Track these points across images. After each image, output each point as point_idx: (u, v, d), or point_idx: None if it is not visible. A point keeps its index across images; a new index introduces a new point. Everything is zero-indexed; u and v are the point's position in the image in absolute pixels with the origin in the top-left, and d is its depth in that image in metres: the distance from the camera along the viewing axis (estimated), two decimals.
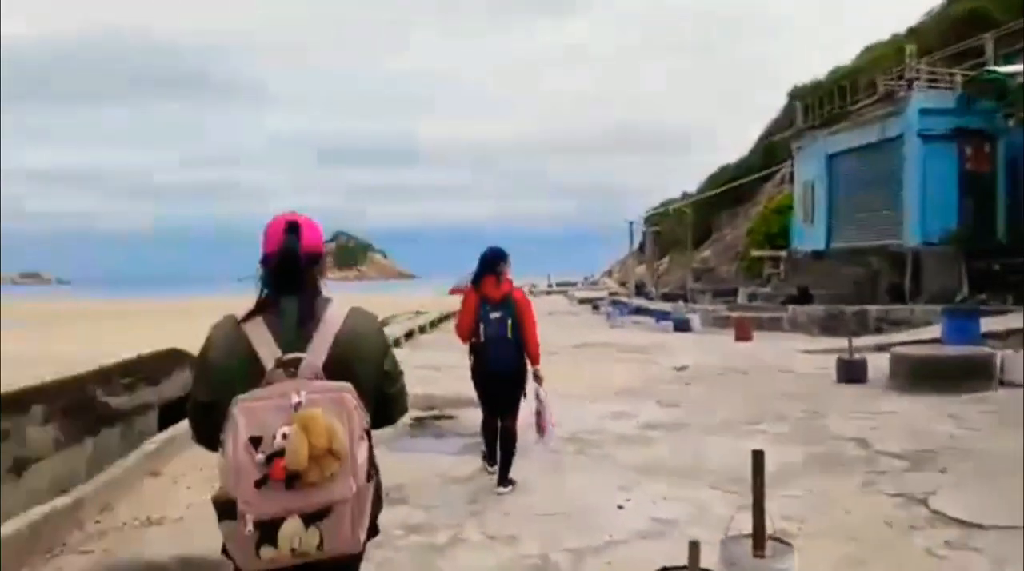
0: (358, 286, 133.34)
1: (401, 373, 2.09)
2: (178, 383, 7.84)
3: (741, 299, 26.58)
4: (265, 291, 1.92)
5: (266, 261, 1.93)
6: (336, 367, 1.81)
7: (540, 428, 5.67)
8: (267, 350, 1.81)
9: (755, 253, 31.34)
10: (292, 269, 1.89)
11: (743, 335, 17.50)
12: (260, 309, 1.89)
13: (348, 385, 1.77)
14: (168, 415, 7.43)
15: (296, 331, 1.84)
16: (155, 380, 7.38)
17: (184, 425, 7.06)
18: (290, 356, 1.80)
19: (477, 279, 5.42)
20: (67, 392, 5.64)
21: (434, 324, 23.01)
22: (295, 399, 1.71)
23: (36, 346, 18.74)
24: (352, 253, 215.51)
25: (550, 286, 55.53)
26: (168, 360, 7.81)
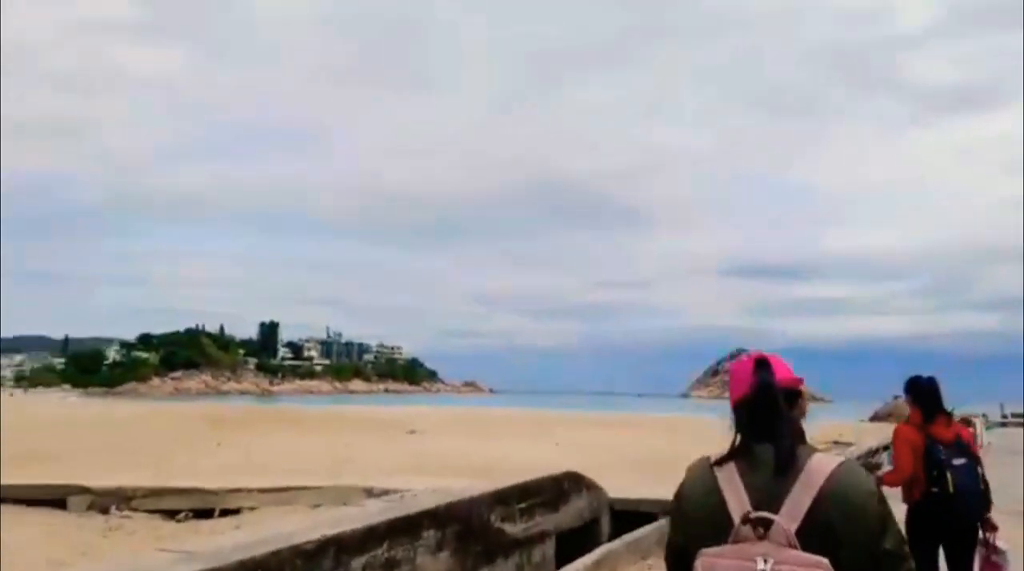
0: None
1: (909, 555, 1.71)
2: (576, 511, 7.20)
3: None
4: (738, 436, 1.74)
5: (737, 406, 1.77)
6: (815, 535, 1.56)
7: None
8: (736, 502, 1.63)
9: None
10: (767, 409, 1.70)
11: None
12: (733, 455, 1.72)
13: (824, 562, 1.51)
14: (566, 546, 6.79)
15: (771, 484, 1.63)
16: (554, 506, 6.80)
17: (580, 563, 6.44)
18: (760, 514, 1.58)
19: (929, 416, 4.54)
20: (461, 516, 5.23)
21: (860, 459, 19.85)
22: (760, 566, 1.51)
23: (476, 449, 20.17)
24: None
25: (1004, 417, 46.01)
26: (567, 484, 7.21)
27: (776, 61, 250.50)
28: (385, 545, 4.26)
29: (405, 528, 4.50)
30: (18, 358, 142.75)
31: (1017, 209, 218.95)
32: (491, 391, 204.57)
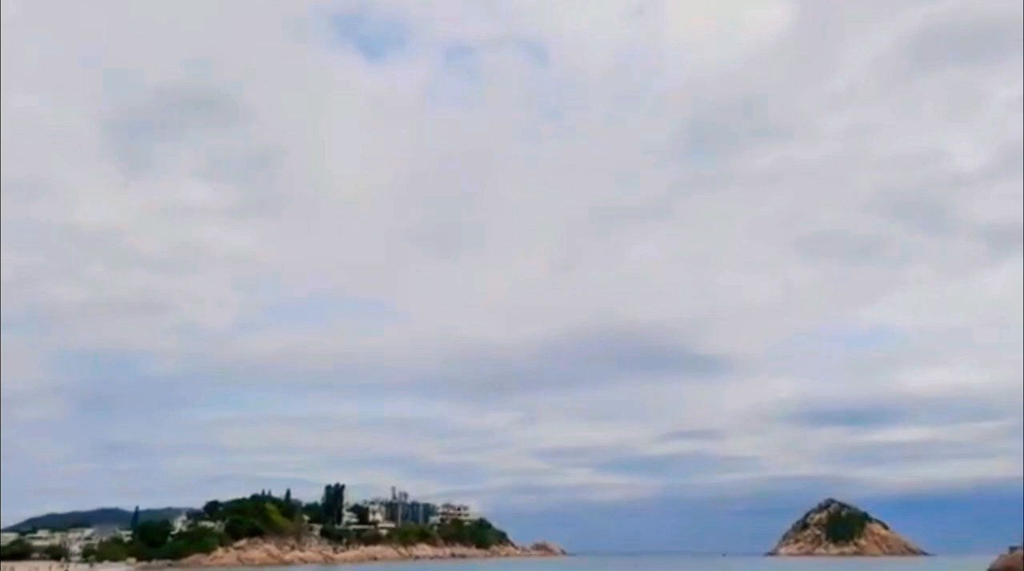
0: (858, 565, 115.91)
1: None
2: None
3: None
4: None
5: None
6: None
7: None
8: None
9: None
10: None
11: None
12: None
13: None
14: None
15: None
16: None
17: None
18: None
19: None
20: None
21: None
22: None
23: None
24: (847, 524, 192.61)
25: None
26: None
27: (832, 209, 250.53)
28: None
29: None
30: (88, 532, 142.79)
31: None
32: (563, 552, 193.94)
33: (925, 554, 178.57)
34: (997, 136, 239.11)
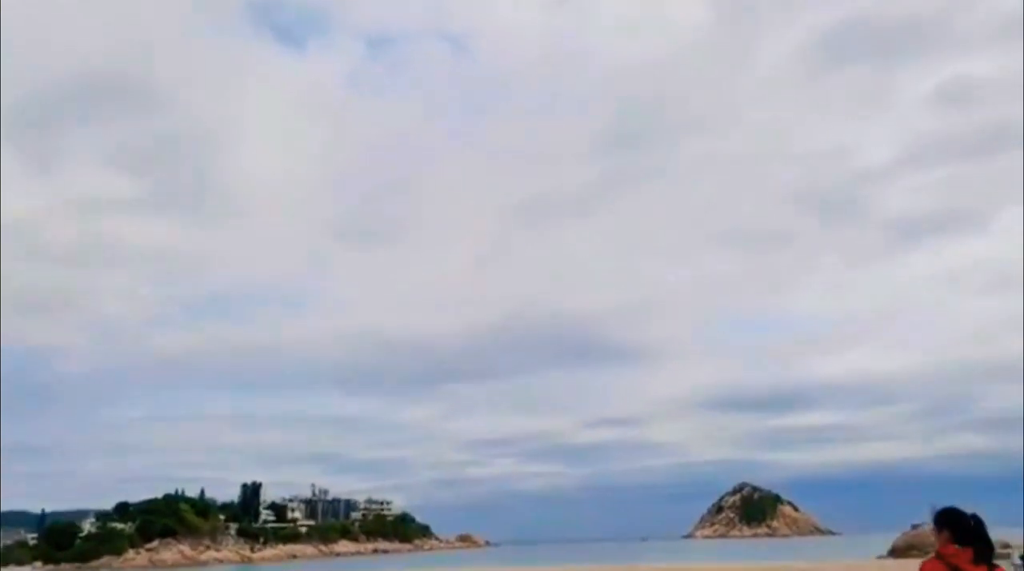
0: (769, 545, 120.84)
1: None
2: None
3: None
4: None
5: None
6: None
7: None
8: None
9: None
10: None
11: None
12: None
13: None
14: None
15: None
16: None
17: None
18: None
19: (981, 556, 4.30)
20: None
21: None
22: None
23: None
24: (759, 506, 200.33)
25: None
26: None
27: (749, 202, 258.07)
28: None
29: None
30: None
31: (1004, 327, 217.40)
32: (487, 543, 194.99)
33: (832, 533, 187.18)
34: (906, 131, 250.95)
